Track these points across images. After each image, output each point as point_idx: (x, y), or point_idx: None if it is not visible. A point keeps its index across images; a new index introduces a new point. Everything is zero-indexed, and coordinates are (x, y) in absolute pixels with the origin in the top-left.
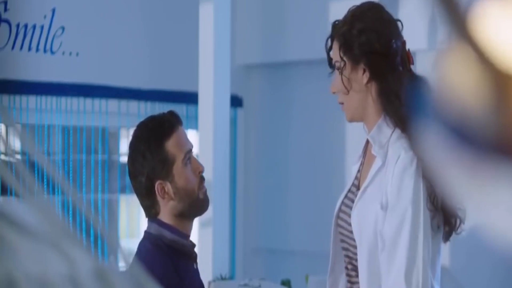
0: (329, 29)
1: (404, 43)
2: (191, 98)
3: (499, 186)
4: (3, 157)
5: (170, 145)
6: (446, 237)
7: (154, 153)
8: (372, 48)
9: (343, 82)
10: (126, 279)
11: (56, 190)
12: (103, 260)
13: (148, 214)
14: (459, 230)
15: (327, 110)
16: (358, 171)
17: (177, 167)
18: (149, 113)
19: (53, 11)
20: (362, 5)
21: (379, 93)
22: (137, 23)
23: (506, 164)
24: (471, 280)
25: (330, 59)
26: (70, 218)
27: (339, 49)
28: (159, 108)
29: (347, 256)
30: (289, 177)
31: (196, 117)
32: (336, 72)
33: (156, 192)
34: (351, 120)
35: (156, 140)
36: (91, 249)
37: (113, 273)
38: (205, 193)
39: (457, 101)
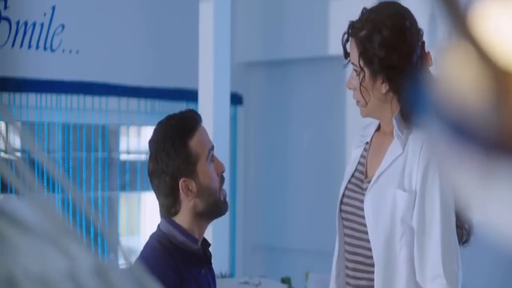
0: (328, 28)
1: (423, 43)
2: (191, 95)
3: (499, 183)
4: (3, 154)
5: (194, 143)
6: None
7: (179, 151)
8: (391, 63)
9: (361, 93)
10: (126, 277)
11: (56, 187)
12: (103, 258)
13: (166, 214)
14: (467, 239)
15: (327, 107)
16: (362, 156)
17: (201, 165)
18: (149, 111)
19: (53, 8)
20: (382, 9)
21: (398, 99)
22: (137, 20)
23: (506, 161)
24: (471, 277)
25: (345, 51)
26: (70, 216)
27: (358, 57)
28: (159, 106)
29: (346, 242)
30: (289, 174)
31: None
32: (352, 68)
33: (180, 190)
34: (366, 117)
35: (180, 138)
36: (91, 246)
37: (113, 270)
38: (225, 197)
39: (457, 98)
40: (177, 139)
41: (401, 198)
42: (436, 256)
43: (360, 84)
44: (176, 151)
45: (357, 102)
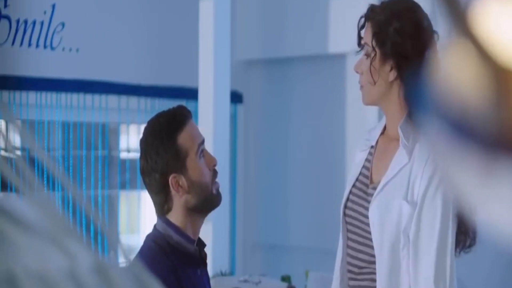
0: (328, 26)
1: (436, 47)
2: (191, 94)
3: (499, 181)
4: (3, 152)
5: (182, 138)
6: (459, 250)
7: (167, 148)
8: (404, 51)
9: (370, 72)
10: (126, 275)
11: (56, 186)
12: (103, 256)
13: (160, 211)
14: (471, 244)
15: (327, 105)
16: (367, 160)
17: (191, 160)
18: (149, 109)
19: (53, 6)
20: (402, 2)
21: (403, 93)
22: (137, 19)
23: (506, 159)
24: (470, 275)
25: (360, 38)
26: (70, 214)
27: (372, 36)
28: (159, 104)
29: (349, 246)
30: (289, 172)
31: (196, 113)
32: (363, 53)
33: (170, 186)
34: (368, 105)
35: (168, 134)
36: (91, 244)
37: (113, 268)
38: (218, 189)
39: (457, 97)
40: (165, 135)
41: (406, 210)
42: (429, 270)
43: (370, 64)
44: (165, 147)
45: (361, 87)
